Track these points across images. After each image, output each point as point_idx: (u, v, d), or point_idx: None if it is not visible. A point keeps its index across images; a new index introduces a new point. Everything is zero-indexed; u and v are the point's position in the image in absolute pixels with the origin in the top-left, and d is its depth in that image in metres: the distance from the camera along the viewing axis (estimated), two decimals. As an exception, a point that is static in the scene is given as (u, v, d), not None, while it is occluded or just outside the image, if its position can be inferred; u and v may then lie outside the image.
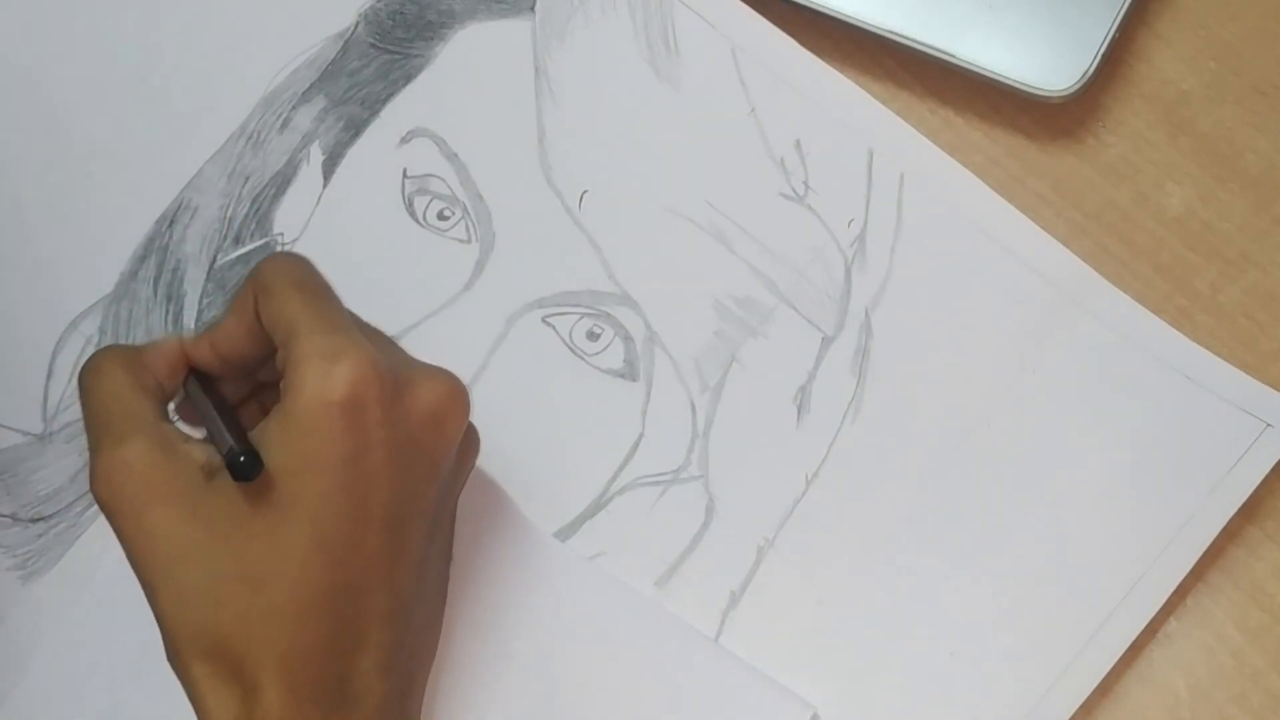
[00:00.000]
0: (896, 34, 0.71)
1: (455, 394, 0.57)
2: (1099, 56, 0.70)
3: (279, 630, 0.54)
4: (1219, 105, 0.72)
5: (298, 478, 0.54)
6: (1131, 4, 0.71)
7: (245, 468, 0.53)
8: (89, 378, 0.58)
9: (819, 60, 0.72)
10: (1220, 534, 0.66)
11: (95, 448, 0.56)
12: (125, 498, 0.55)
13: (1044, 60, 0.70)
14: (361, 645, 0.55)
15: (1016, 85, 0.70)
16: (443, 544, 0.61)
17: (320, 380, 0.54)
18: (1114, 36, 0.71)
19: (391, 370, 0.55)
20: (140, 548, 0.55)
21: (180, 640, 0.54)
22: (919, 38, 0.71)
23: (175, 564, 0.54)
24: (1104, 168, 0.71)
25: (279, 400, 0.56)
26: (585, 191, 0.71)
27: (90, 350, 0.69)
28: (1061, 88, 0.70)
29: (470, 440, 0.61)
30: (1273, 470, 0.66)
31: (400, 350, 0.60)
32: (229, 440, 0.55)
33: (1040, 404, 0.68)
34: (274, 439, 0.54)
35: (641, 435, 0.68)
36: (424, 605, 0.60)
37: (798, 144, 0.71)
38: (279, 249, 0.71)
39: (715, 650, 0.65)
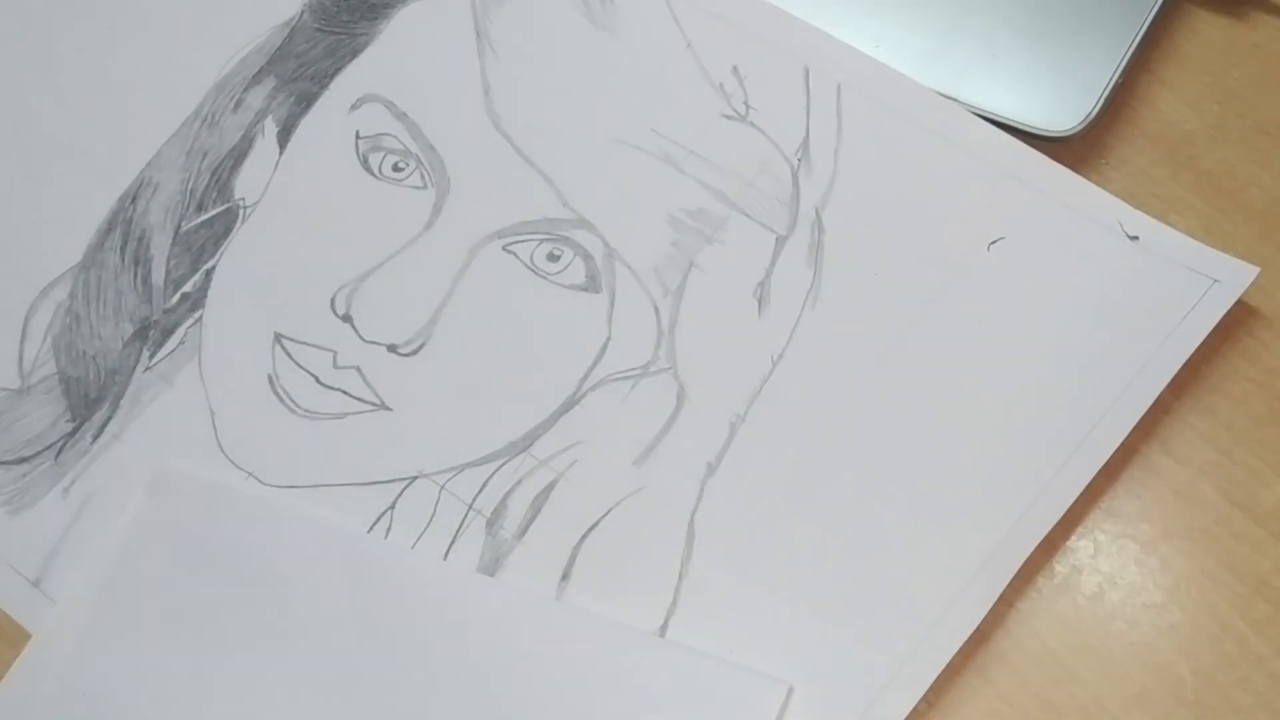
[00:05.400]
0: None
1: None
2: (1102, 100, 0.71)
3: None
4: (1222, 144, 0.73)
5: None
6: (1135, 52, 0.73)
7: None
8: None
9: (747, -9, 0.75)
10: (1222, 529, 0.66)
11: None
12: None
13: (1046, 104, 0.72)
14: None
15: (1018, 125, 0.72)
16: None
17: None
18: (1117, 82, 0.72)
19: None
20: None
21: None
22: (921, 81, 0.73)
23: None
24: (1107, 200, 0.72)
25: None
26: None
27: (61, 315, 0.71)
28: (1063, 129, 0.71)
29: None
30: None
31: None
32: None
33: (993, 276, 0.69)
34: None
35: (609, 339, 0.69)
36: None
37: (735, 69, 0.74)
38: (241, 213, 0.73)
39: (674, 649, 0.65)
